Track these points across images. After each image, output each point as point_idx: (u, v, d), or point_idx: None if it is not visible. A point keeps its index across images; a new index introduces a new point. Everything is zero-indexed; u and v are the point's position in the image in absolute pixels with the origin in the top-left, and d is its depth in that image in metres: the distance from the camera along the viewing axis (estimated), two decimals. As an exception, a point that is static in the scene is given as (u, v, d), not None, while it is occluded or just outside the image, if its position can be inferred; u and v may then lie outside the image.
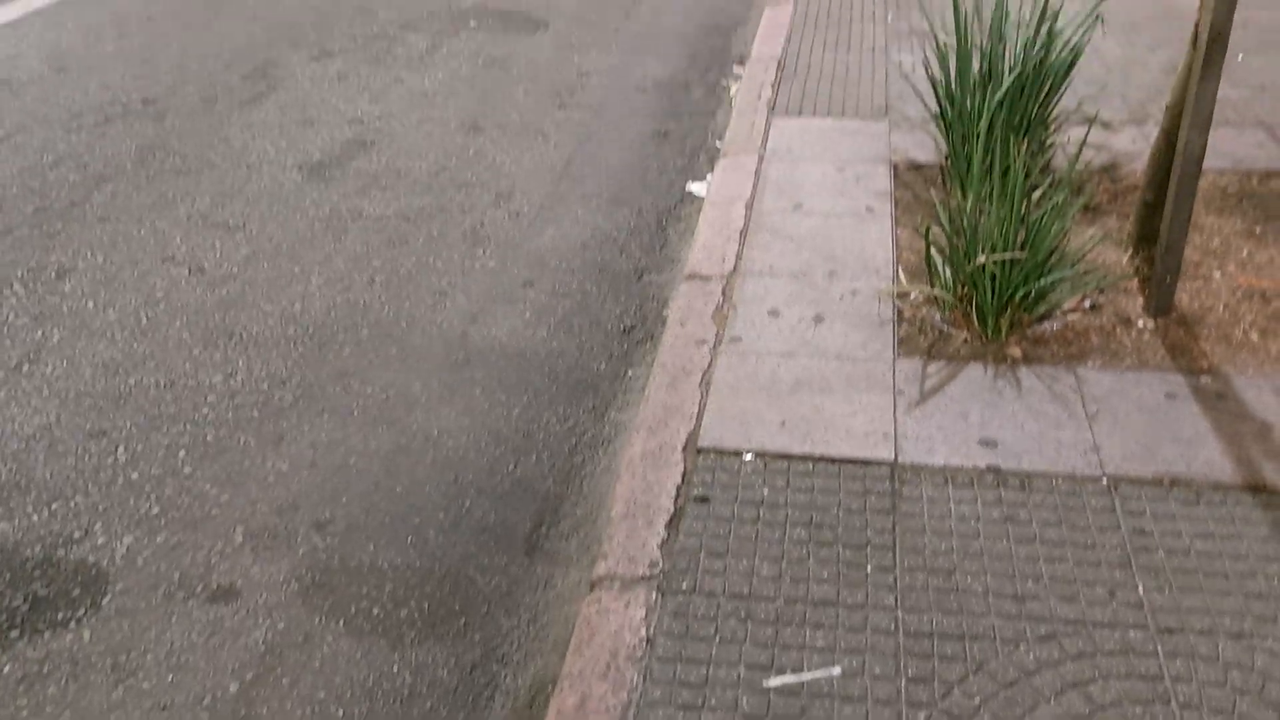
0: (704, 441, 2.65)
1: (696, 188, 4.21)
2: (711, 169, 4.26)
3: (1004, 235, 2.94)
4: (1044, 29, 3.61)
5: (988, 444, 2.59)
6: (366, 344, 3.22)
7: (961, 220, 3.01)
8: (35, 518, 2.58)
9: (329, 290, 3.48)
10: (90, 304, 3.41)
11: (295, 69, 5.21)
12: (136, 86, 4.97)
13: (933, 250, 3.10)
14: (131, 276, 3.55)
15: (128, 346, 3.20)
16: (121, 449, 2.79)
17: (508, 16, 5.96)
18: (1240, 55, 4.76)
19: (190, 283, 3.52)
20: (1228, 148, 3.95)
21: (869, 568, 2.26)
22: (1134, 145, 4.02)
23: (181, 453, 2.78)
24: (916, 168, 4.02)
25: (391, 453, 2.77)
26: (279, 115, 4.72)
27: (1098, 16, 3.62)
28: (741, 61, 5.33)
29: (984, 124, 3.50)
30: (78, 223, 3.86)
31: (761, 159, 4.18)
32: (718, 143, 4.51)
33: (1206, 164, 3.57)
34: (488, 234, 3.84)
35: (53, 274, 3.56)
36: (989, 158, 3.42)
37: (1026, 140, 3.60)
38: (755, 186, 3.97)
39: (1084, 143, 3.52)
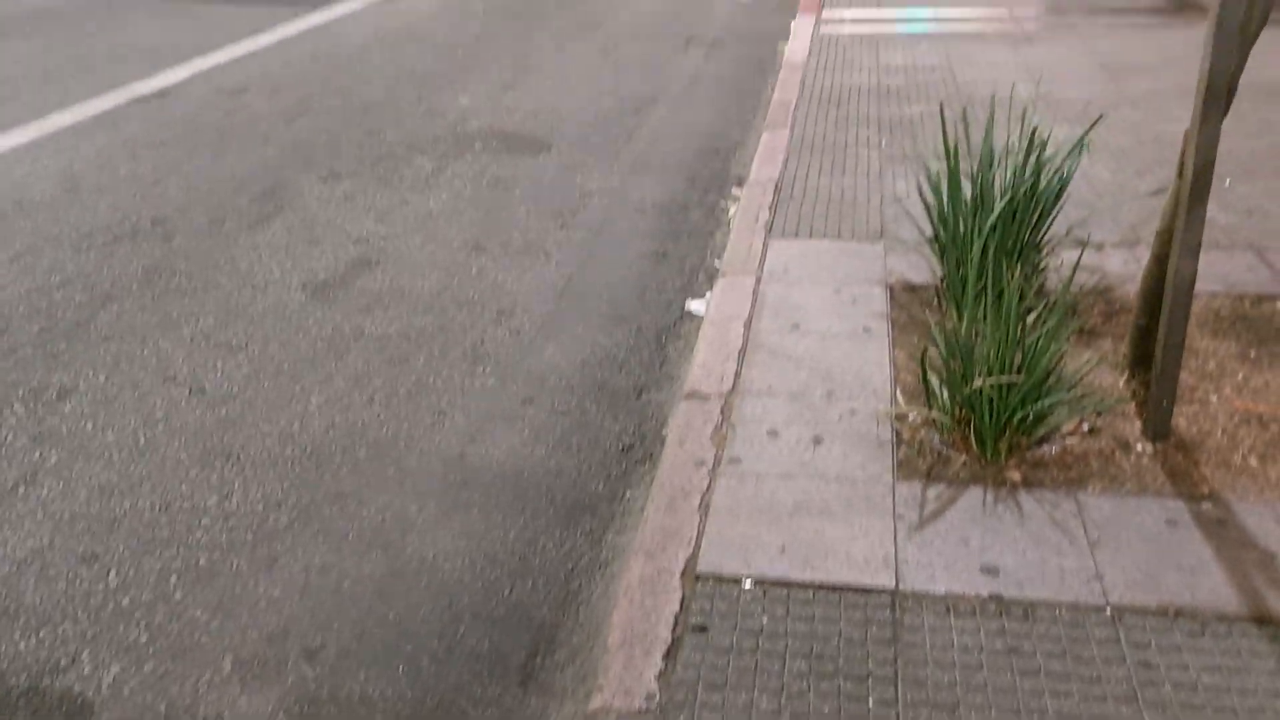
0: (703, 567, 2.62)
1: (695, 306, 4.26)
2: (710, 288, 4.31)
3: (1000, 358, 2.96)
4: (1033, 157, 3.69)
5: (989, 571, 2.56)
6: (364, 465, 3.21)
7: (957, 343, 3.04)
8: (22, 645, 2.54)
9: (328, 410, 3.49)
10: (89, 425, 3.41)
11: (304, 190, 5.32)
12: (146, 208, 5.07)
13: (929, 372, 3.11)
14: (132, 397, 3.56)
15: (124, 468, 3.20)
16: (113, 574, 2.76)
17: (512, 139, 6.11)
18: (1228, 181, 4.86)
19: (190, 403, 3.53)
20: (1219, 270, 4.00)
21: (871, 701, 2.21)
22: (1126, 268, 4.07)
23: (173, 578, 2.75)
24: (912, 289, 4.06)
25: (385, 577, 2.74)
26: (286, 236, 4.80)
27: (1084, 145, 3.71)
28: (740, 184, 5.44)
29: (977, 248, 3.55)
30: (81, 343, 3.90)
31: (759, 279, 4.23)
32: (716, 263, 4.57)
33: (1198, 286, 3.61)
34: (488, 352, 3.86)
35: (54, 395, 3.58)
36: (983, 281, 3.47)
37: (1020, 264, 3.65)
38: (753, 306, 4.01)
39: (1077, 266, 3.57)
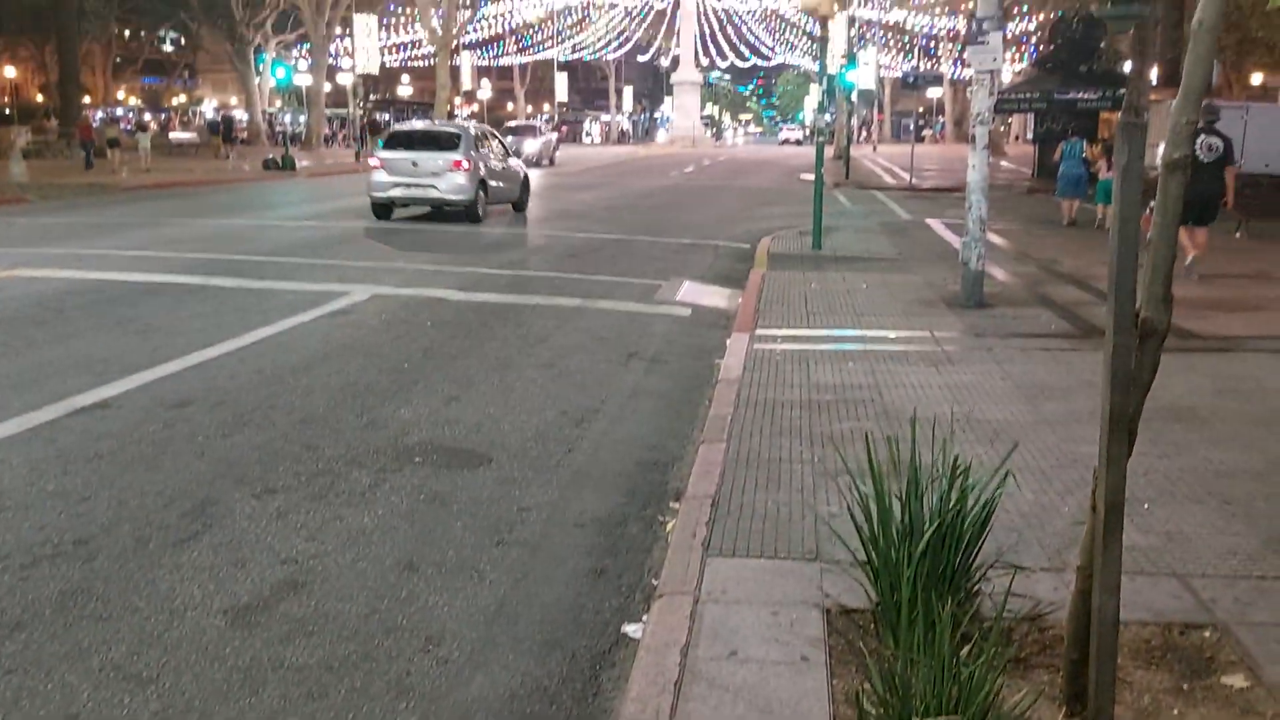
0: None
1: (632, 629, 4.18)
2: (647, 609, 4.25)
3: (936, 694, 2.91)
4: (957, 483, 3.80)
5: None
6: (271, 817, 2.99)
7: (893, 678, 2.99)
8: None
9: (238, 753, 3.29)
10: (-25, 773, 3.17)
11: (235, 506, 5.27)
12: (71, 526, 4.97)
13: (867, 711, 3.03)
14: (27, 739, 3.34)
15: (6, 823, 2.94)
16: None
17: (452, 452, 6.17)
18: (1146, 504, 5.02)
19: (89, 746, 3.31)
20: (1145, 599, 4.05)
21: None
22: (1056, 593, 4.10)
23: None
24: (848, 613, 4.04)
25: None
26: (211, 556, 4.70)
27: (1007, 473, 3.83)
28: (678, 498, 5.50)
29: (908, 575, 3.58)
30: (-19, 676, 3.69)
31: (697, 600, 4.19)
32: (654, 581, 4.53)
33: (1127, 615, 3.63)
34: (413, 684, 3.71)
35: (-59, 737, 3.34)
36: (916, 610, 3.46)
37: (951, 591, 3.67)
38: (690, 630, 3.95)
39: (1008, 593, 3.59)
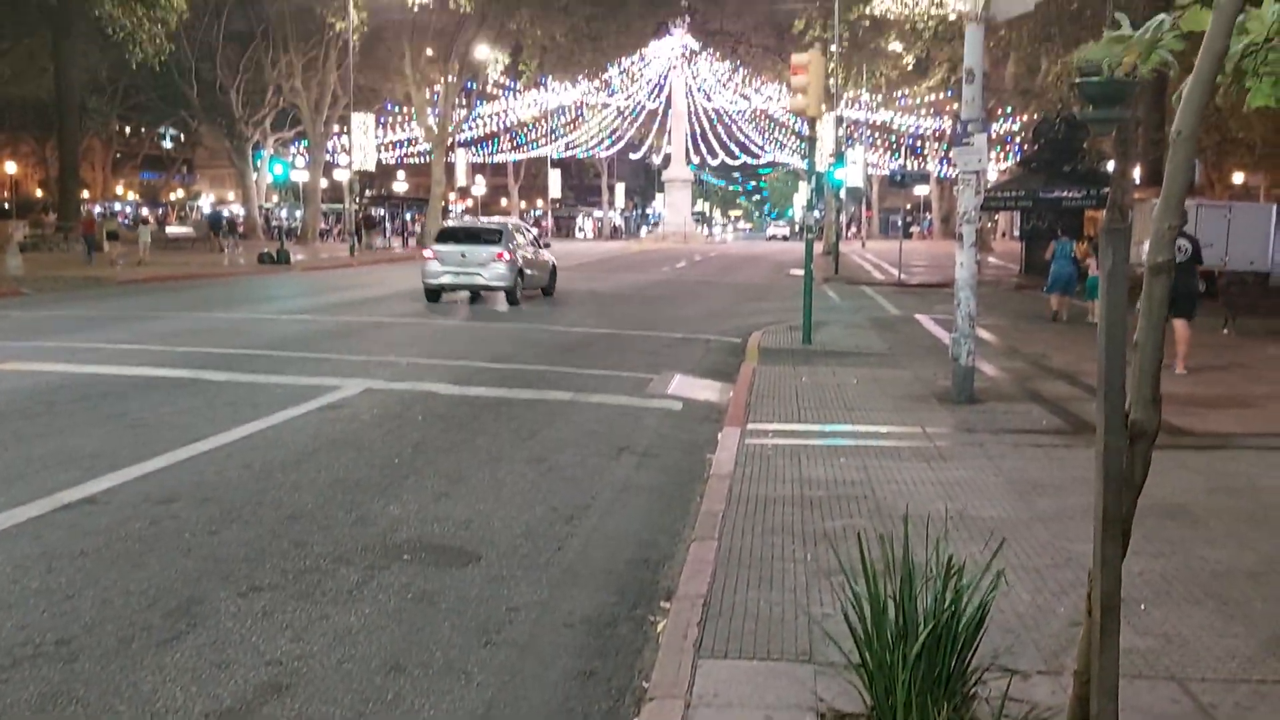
0: None
1: (621, 736, 4.10)
2: (638, 712, 4.17)
3: (935, 806, 2.84)
4: (951, 583, 3.77)
5: None
6: None
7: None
8: None
9: None
10: None
11: (220, 605, 5.19)
12: (53, 625, 4.88)
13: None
14: None
15: None
16: None
17: (441, 550, 6.11)
18: (1142, 605, 4.98)
19: None
20: (1144, 703, 3.99)
21: None
22: (1053, 697, 4.03)
23: None
24: (843, 717, 3.97)
25: None
26: (194, 657, 4.61)
27: (999, 573, 3.80)
28: (669, 597, 5.43)
29: (904, 678, 3.52)
30: (-48, 783, 3.59)
31: (688, 704, 4.12)
32: (644, 683, 4.46)
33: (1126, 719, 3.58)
34: (398, 792, 3.62)
35: None
36: (911, 715, 3.41)
37: (947, 696, 3.61)
38: (682, 739, 3.87)
39: (1005, 697, 3.53)
